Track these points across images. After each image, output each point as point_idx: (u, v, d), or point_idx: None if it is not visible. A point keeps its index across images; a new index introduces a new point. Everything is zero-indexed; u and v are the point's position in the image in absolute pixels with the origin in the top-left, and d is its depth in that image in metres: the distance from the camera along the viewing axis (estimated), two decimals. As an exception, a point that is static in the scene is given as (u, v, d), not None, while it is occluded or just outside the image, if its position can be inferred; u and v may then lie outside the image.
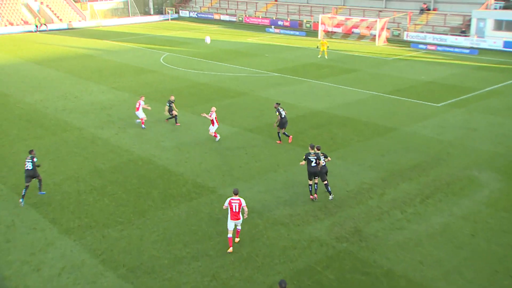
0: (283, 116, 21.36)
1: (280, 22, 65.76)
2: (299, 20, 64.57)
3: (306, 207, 16.36)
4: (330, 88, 32.50)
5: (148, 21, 76.10)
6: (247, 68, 38.97)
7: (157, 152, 21.27)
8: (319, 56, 43.49)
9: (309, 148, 16.71)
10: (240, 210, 13.63)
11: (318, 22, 58.75)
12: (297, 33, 59.75)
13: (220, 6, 78.67)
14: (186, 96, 29.91)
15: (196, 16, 77.84)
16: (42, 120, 25.98)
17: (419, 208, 16.35)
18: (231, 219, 13.67)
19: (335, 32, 58.41)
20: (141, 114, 23.79)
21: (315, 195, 16.74)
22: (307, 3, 69.07)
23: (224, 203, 14.07)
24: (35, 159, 16.59)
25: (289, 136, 22.01)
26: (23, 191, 16.59)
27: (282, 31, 61.21)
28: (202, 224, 15.41)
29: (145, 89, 32.48)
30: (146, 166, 19.80)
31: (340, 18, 58.08)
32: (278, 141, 21.95)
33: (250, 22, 69.46)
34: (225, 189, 17.71)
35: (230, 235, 13.76)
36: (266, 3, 73.13)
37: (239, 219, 13.75)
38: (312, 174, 16.55)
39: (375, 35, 52.86)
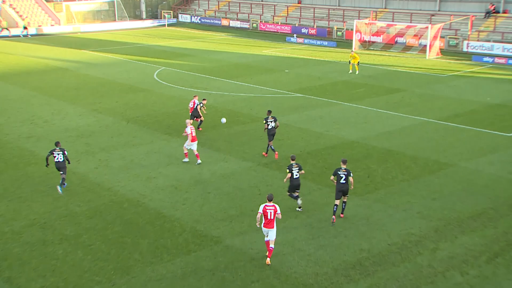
0: (270, 127, 24.46)
1: (304, 30, 67.52)
2: (328, 28, 66.45)
3: (335, 264, 16.33)
4: (368, 113, 32.89)
5: (139, 27, 78.20)
6: (263, 87, 39.53)
7: (148, 192, 21.44)
8: (349, 72, 44.20)
9: (341, 163, 18.88)
10: (275, 217, 16.11)
11: (352, 29, 60.03)
12: (326, 43, 60.95)
13: (229, 9, 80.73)
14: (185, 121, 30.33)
15: (200, 22, 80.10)
16: (0, 150, 26.16)
17: (485, 269, 16.17)
18: (264, 226, 16.20)
19: (373, 42, 59.52)
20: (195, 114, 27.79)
21: (341, 215, 19.03)
22: (338, 5, 70.89)
23: (259, 209, 16.26)
24: (65, 152, 21.23)
25: (275, 152, 24.72)
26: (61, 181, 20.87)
27: (306, 40, 62.87)
28: (203, 284, 15.29)
29: (134, 111, 33.08)
30: (133, 209, 19.91)
31: (381, 24, 59.42)
32: (264, 153, 25.13)
33: (267, 30, 71.39)
34: (232, 239, 17.67)
35: (266, 238, 16.28)
36: (287, 6, 75.26)
37: (273, 227, 16.18)
38: (340, 192, 18.66)
39: (425, 46, 53.74)
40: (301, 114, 32.48)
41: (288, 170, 19.37)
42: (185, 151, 24.30)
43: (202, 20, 79.70)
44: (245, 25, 74.14)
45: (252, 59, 50.84)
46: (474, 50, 53.65)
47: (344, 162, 18.95)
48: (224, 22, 76.68)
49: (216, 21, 77.82)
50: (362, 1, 68.56)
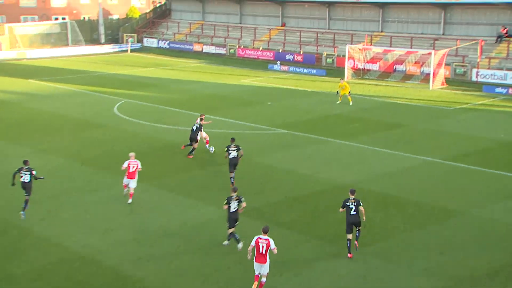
0: (231, 156, 26.46)
1: (289, 56, 68.32)
2: (317, 54, 67.19)
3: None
4: (363, 152, 33.08)
5: (97, 52, 78.23)
6: (242, 122, 39.68)
7: (105, 246, 21.08)
8: (338, 102, 45.03)
9: (349, 193, 20.38)
10: (268, 252, 17.12)
11: (344, 55, 60.51)
12: (314, 71, 61.74)
13: (202, 32, 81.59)
14: (152, 162, 30.10)
15: (168, 47, 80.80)
16: None
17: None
18: (256, 261, 17.19)
19: (369, 70, 60.26)
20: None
21: (356, 243, 20.17)
22: (328, 28, 71.89)
23: (251, 242, 17.31)
24: (34, 172, 23.24)
25: (232, 184, 26.08)
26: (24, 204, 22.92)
27: (291, 68, 63.61)
28: None
29: (90, 151, 32.85)
30: (87, 269, 19.48)
31: (377, 50, 60.18)
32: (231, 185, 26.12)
33: (246, 56, 72.16)
34: (206, 303, 17.50)
35: (256, 272, 17.32)
36: (270, 29, 76.15)
37: (265, 262, 17.23)
38: (351, 225, 20.01)
39: (428, 74, 54.26)
40: (286, 153, 32.62)
41: (226, 202, 20.55)
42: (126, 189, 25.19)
43: (171, 45, 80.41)
44: (221, 50, 74.94)
45: (229, 90, 51.34)
46: (484, 80, 54.38)
47: (353, 192, 20.44)
48: (197, 47, 77.42)
49: (188, 46, 78.59)
50: (355, 24, 69.67)
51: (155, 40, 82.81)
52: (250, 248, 17.32)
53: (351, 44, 62.92)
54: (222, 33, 79.23)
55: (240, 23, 80.00)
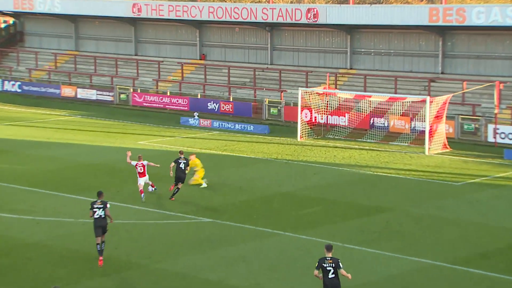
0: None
1: (212, 105, 69.36)
2: (255, 101, 67.79)
3: None
4: (333, 251, 32.52)
5: None
6: (141, 208, 39.52)
7: None
8: (203, 186, 43.37)
9: (325, 250, 23.80)
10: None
11: (296, 104, 61.07)
12: (251, 127, 62.38)
13: (76, 67, 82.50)
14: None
15: (20, 91, 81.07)
16: None
17: None
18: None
19: (334, 126, 60.62)
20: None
21: None
22: (271, 63, 73.20)
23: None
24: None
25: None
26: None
27: (216, 123, 64.16)
28: None
29: None
30: None
31: (345, 95, 60.75)
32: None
33: (147, 105, 72.92)
34: None
35: None
36: (182, 63, 76.86)
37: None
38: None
39: (422, 132, 54.65)
40: (210, 254, 32.40)
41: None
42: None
43: (25, 88, 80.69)
44: (107, 96, 75.42)
45: (119, 157, 50.33)
46: (506, 141, 55.03)
47: (329, 248, 23.88)
48: (67, 91, 77.80)
49: (52, 89, 79.16)
50: (311, 57, 71.13)
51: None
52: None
53: (306, 86, 63.98)
54: (107, 69, 79.50)
55: (136, 54, 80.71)
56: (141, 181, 40.04)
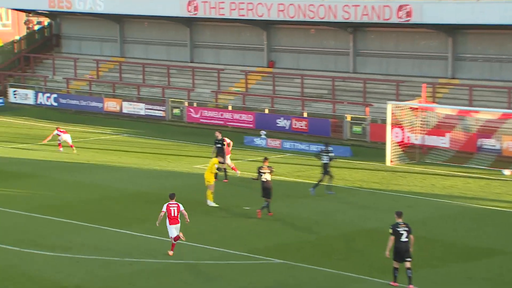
0: (262, 180, 43.05)
1: (282, 122, 68.51)
2: (333, 117, 67.47)
3: None
4: None
5: None
6: (196, 245, 38.39)
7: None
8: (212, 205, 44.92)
9: (395, 216, 30.87)
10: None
11: (384, 121, 60.35)
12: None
13: (121, 77, 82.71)
14: None
15: (56, 104, 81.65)
16: None
17: None
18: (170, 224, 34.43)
19: (431, 148, 59.26)
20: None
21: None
22: (354, 71, 72.28)
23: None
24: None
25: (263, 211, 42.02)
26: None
27: (288, 144, 64.00)
28: None
29: None
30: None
31: (446, 111, 59.92)
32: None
33: (204, 121, 73.31)
34: None
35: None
36: (246, 72, 76.71)
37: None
38: (403, 253, 30.46)
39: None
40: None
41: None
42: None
43: (63, 101, 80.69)
44: (157, 111, 75.37)
45: (171, 183, 50.43)
46: None
47: (399, 214, 30.40)
48: (110, 105, 77.72)
49: (93, 103, 79.21)
50: (404, 64, 69.26)
51: (31, 92, 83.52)
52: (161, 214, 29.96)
53: (397, 100, 62.74)
54: (158, 79, 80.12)
55: (192, 60, 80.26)
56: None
